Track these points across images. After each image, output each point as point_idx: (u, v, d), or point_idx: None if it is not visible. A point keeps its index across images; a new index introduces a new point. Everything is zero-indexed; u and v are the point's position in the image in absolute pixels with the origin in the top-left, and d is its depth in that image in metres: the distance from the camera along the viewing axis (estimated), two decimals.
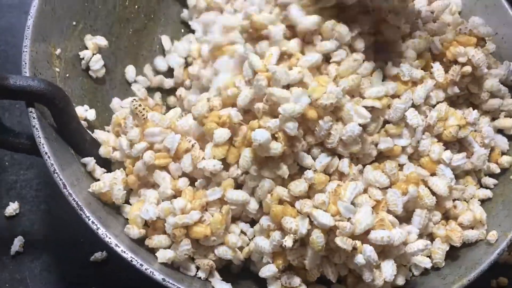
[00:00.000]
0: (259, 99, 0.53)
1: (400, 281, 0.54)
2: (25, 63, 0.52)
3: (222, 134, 0.52)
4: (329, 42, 0.55)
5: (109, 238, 0.48)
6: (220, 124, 0.53)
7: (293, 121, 0.50)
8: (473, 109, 0.57)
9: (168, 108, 0.66)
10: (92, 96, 0.62)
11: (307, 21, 0.55)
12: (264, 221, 0.52)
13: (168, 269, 0.52)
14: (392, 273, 0.51)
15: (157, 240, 0.52)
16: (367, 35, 0.58)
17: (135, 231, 0.52)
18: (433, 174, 0.56)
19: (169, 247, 0.53)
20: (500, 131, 0.62)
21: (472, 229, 0.57)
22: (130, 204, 0.55)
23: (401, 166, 0.56)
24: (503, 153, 0.61)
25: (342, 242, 0.49)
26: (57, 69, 0.57)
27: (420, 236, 0.54)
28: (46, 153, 0.49)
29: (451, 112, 0.57)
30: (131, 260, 0.47)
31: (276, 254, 0.53)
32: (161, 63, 0.69)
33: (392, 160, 0.55)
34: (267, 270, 0.52)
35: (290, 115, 0.49)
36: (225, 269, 0.56)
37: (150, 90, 0.69)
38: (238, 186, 0.54)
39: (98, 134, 0.57)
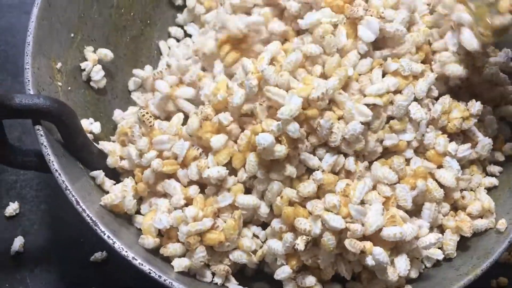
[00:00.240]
0: (252, 100, 0.53)
1: (413, 273, 0.55)
2: (28, 80, 0.52)
3: (218, 139, 0.53)
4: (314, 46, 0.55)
5: (126, 251, 0.48)
6: (214, 132, 0.53)
7: (294, 123, 0.50)
8: (476, 100, 0.57)
9: None
10: (94, 107, 0.62)
11: None
12: (276, 223, 0.53)
13: (185, 277, 0.52)
14: (406, 268, 0.52)
15: (172, 248, 0.53)
16: None
17: (149, 240, 0.53)
18: (439, 166, 0.56)
19: (184, 255, 0.53)
20: (502, 118, 0.62)
21: (481, 218, 0.57)
22: (142, 214, 0.56)
23: (407, 161, 0.56)
24: (506, 141, 0.61)
25: (351, 245, 0.49)
26: (59, 83, 0.57)
27: (431, 228, 0.55)
28: (56, 170, 0.49)
29: (454, 105, 0.57)
30: (150, 272, 0.48)
31: (290, 255, 0.53)
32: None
33: (399, 155, 0.55)
34: (282, 272, 0.53)
35: (289, 116, 0.49)
36: (239, 272, 0.56)
37: None
38: (247, 190, 0.54)
39: (104, 145, 0.57)
